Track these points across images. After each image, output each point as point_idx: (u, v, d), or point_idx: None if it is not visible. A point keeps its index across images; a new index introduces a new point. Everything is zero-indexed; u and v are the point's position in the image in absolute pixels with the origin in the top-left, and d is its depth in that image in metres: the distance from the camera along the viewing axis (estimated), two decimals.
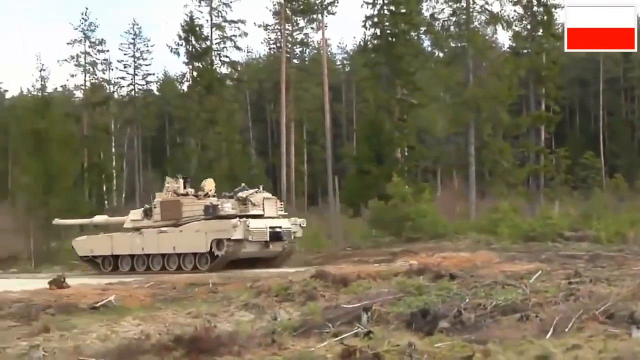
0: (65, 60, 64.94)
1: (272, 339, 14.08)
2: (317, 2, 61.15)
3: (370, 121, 55.56)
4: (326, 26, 63.63)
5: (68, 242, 37.37)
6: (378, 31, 54.90)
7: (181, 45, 61.40)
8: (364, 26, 54.90)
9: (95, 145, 63.92)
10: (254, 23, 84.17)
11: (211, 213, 31.72)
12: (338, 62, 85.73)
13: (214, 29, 61.18)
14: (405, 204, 39.31)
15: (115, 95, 73.38)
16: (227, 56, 62.23)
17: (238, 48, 63.00)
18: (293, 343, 13.94)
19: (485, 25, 52.75)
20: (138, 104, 73.42)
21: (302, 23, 68.17)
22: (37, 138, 54.45)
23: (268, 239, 31.51)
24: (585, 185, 53.55)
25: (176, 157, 63.23)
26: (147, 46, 73.50)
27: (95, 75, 67.48)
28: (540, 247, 30.81)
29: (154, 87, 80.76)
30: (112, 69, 71.01)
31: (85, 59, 65.97)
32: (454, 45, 52.96)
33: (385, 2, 54.27)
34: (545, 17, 51.08)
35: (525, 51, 52.85)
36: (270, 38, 75.50)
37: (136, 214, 34.39)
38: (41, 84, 65.43)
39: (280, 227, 31.96)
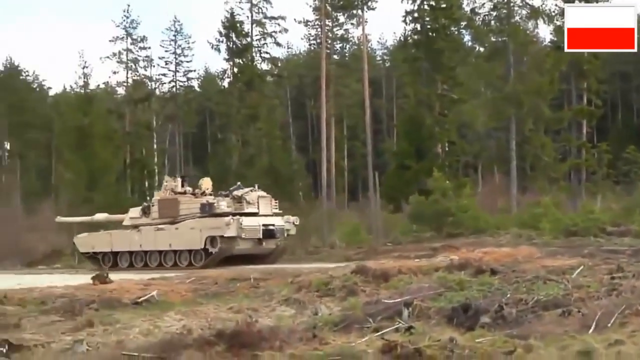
0: (108, 57, 65.22)
1: (313, 333, 14.17)
2: None
3: (410, 116, 55.30)
4: (366, 22, 63.38)
5: None
6: (418, 26, 54.56)
7: (222, 41, 61.55)
8: (404, 21, 54.58)
9: (137, 141, 64.29)
10: (294, 19, 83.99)
11: (207, 211, 32.33)
12: (378, 58, 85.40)
13: (254, 26, 61.24)
14: (446, 199, 39.24)
15: (157, 91, 73.80)
16: (267, 52, 62.23)
17: (278, 44, 62.96)
18: (334, 338, 14.02)
19: (526, 20, 52.22)
20: (179, 101, 73.75)
21: (342, 19, 67.93)
22: (80, 135, 55.19)
23: (261, 237, 32.05)
24: (628, 179, 52.89)
25: (217, 153, 63.46)
26: (188, 43, 73.77)
27: (137, 72, 67.73)
28: (582, 242, 30.44)
29: (195, 84, 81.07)
30: (154, 66, 71.30)
31: (127, 56, 66.26)
32: (494, 40, 52.50)
33: None
34: None
35: None
36: (310, 34, 75.34)
37: (135, 212, 35.05)
38: (84, 81, 65.66)
39: (273, 225, 32.46)
